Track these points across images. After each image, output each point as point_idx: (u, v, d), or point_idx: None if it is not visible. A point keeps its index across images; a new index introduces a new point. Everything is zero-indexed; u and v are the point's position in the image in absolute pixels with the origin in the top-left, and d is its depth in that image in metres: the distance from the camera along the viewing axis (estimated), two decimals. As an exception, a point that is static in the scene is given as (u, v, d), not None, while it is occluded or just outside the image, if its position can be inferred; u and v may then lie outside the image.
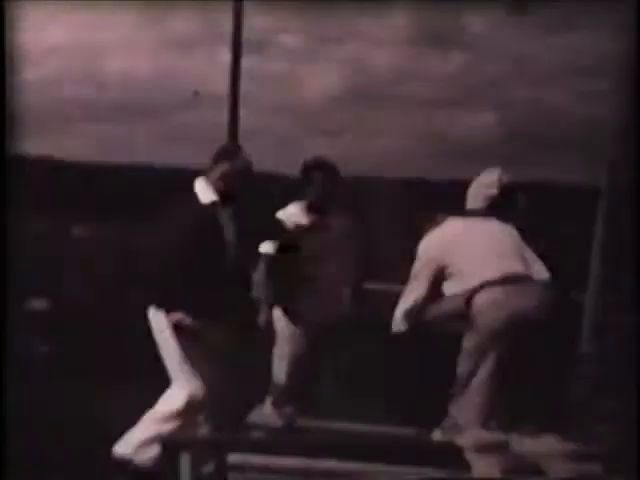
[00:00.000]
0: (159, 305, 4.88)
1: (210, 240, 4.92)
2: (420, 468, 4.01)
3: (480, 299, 4.83)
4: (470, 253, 4.92)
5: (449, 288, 4.95)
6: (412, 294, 5.02)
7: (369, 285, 6.21)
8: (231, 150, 5.16)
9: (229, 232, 5.01)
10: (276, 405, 5.24)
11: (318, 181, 5.60)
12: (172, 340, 4.86)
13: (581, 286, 5.95)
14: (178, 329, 4.83)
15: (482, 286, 4.82)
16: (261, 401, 5.27)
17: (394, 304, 5.12)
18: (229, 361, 4.96)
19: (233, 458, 4.11)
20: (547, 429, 4.33)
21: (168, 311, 4.84)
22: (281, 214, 5.67)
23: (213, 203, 4.99)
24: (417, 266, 5.05)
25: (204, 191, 5.01)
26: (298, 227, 5.51)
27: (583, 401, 4.81)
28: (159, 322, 4.90)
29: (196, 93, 17.34)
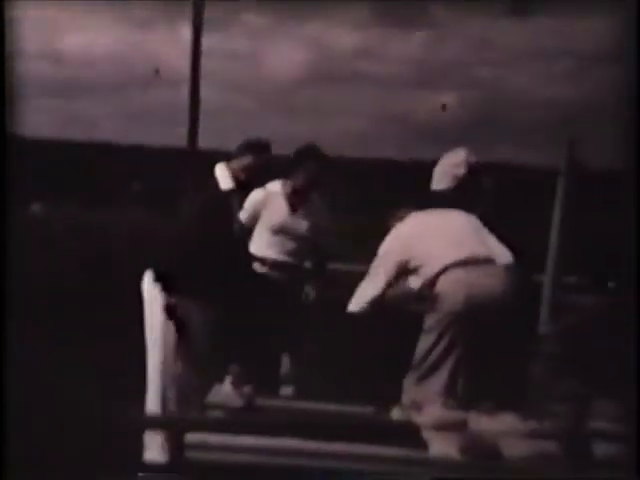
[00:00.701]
0: (157, 280, 4.96)
1: (221, 225, 5.01)
2: (379, 447, 4.03)
3: (442, 281, 4.85)
4: (431, 245, 4.94)
5: (412, 282, 4.96)
6: (369, 289, 5.02)
7: (332, 265, 6.24)
8: (260, 145, 5.24)
9: (239, 219, 5.14)
10: (235, 384, 5.24)
11: (309, 169, 5.71)
12: (160, 321, 4.93)
13: (541, 267, 5.99)
14: (169, 312, 4.91)
15: (444, 270, 4.84)
16: (220, 381, 5.26)
17: (356, 284, 5.13)
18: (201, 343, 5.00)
19: (192, 438, 4.10)
20: (505, 407, 4.36)
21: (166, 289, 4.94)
22: (262, 189, 5.74)
23: (230, 190, 5.06)
24: (377, 262, 5.05)
25: (224, 177, 5.12)
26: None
27: (541, 381, 4.85)
28: (152, 295, 4.98)
29: (157, 72, 17.24)
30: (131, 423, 4.50)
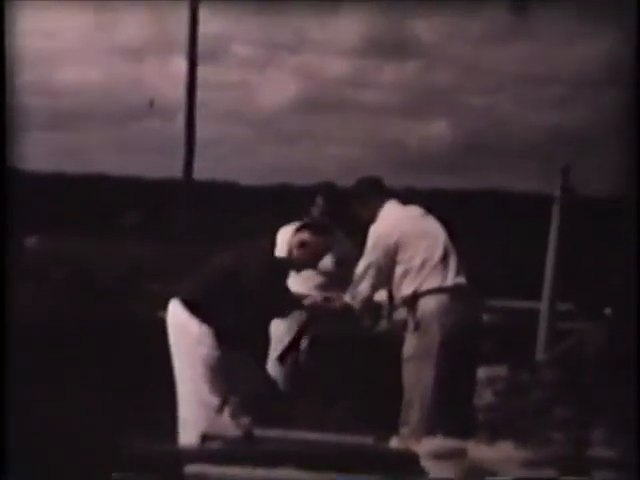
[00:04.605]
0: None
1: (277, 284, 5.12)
2: (377, 476, 4.02)
3: (427, 304, 4.93)
4: (420, 253, 5.05)
5: (402, 288, 5.01)
6: (368, 281, 5.11)
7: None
8: (320, 226, 5.31)
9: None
10: (234, 415, 5.23)
11: (320, 205, 5.82)
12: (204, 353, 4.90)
13: (537, 294, 6.00)
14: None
15: (429, 291, 4.92)
16: (220, 412, 5.25)
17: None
18: None
19: (190, 469, 4.09)
20: (503, 436, 4.36)
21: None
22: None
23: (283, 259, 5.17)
24: (372, 254, 5.13)
25: (280, 245, 5.21)
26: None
27: (539, 408, 4.85)
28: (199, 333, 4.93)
29: (152, 102, 17.26)
30: (131, 456, 4.48)
